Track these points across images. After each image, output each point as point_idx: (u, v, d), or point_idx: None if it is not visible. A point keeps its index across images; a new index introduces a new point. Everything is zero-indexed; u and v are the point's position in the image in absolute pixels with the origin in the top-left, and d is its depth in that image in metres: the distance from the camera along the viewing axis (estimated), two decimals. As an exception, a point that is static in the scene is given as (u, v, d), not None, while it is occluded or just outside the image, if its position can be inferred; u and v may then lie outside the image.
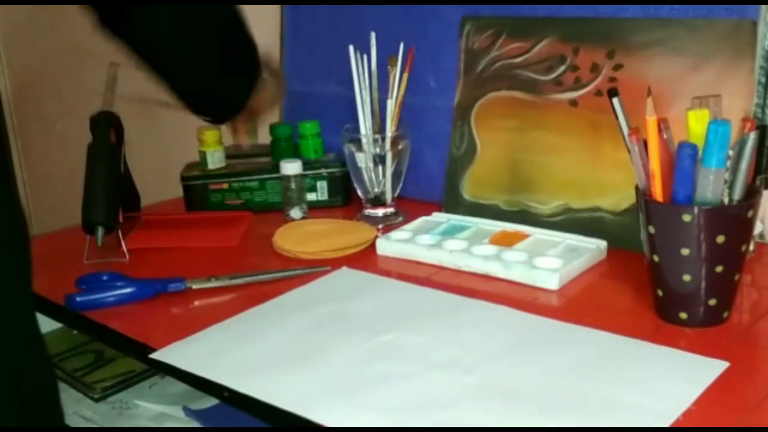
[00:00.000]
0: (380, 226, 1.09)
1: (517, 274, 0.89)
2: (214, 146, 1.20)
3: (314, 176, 1.19)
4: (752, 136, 0.72)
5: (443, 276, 0.93)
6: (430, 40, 1.15)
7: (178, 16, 0.75)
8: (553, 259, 0.90)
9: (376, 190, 1.11)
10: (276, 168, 1.15)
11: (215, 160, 1.21)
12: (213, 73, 0.82)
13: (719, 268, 0.74)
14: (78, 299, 0.88)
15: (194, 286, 0.91)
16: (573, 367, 0.70)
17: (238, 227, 1.10)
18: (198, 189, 1.20)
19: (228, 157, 1.23)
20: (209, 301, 0.90)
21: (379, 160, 1.10)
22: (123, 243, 1.01)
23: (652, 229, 0.76)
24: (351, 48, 1.10)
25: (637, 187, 0.78)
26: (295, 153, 1.21)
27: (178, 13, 0.75)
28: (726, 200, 0.74)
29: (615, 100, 0.79)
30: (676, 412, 0.63)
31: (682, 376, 0.68)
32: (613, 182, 0.96)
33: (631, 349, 0.73)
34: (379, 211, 1.12)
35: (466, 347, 0.75)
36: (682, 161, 0.73)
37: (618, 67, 0.97)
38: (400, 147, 1.10)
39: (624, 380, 0.68)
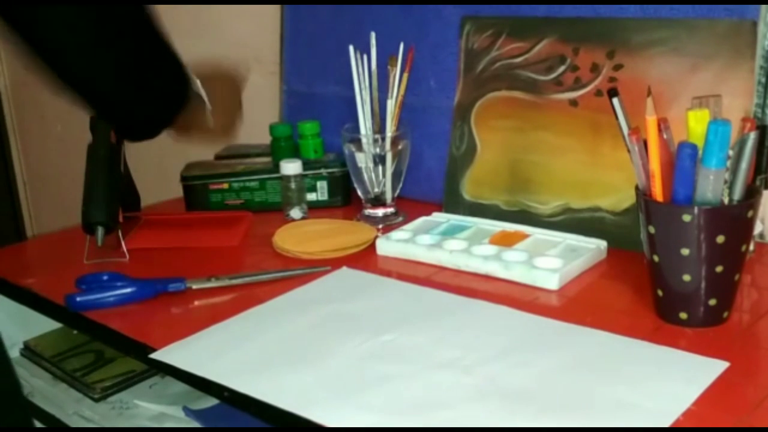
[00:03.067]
0: (380, 226, 1.09)
1: (517, 274, 0.89)
2: (214, 146, 1.20)
3: (314, 176, 1.19)
4: (752, 136, 0.72)
5: (443, 276, 0.93)
6: (430, 40, 1.15)
7: (76, 15, 0.69)
8: (553, 259, 0.90)
9: (376, 190, 1.11)
10: (276, 168, 1.15)
11: None
12: (122, 81, 0.73)
13: (719, 268, 0.74)
14: (78, 299, 0.88)
15: (194, 286, 0.91)
16: (573, 367, 0.70)
17: (238, 227, 1.10)
18: (198, 189, 1.19)
19: (228, 157, 1.23)
20: (209, 301, 0.90)
21: (379, 160, 1.09)
22: (123, 243, 1.01)
23: (652, 229, 0.76)
24: (351, 48, 1.10)
25: (637, 187, 0.78)
26: (295, 153, 1.21)
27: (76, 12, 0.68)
28: (726, 200, 0.74)
29: (615, 100, 0.79)
30: (676, 412, 0.63)
31: (682, 376, 0.68)
32: (613, 182, 0.96)
33: (631, 349, 0.73)
34: (379, 211, 1.12)
35: (466, 347, 0.75)
36: (682, 161, 0.73)
37: (618, 67, 0.97)
38: (400, 147, 1.10)
39: (624, 380, 0.68)
